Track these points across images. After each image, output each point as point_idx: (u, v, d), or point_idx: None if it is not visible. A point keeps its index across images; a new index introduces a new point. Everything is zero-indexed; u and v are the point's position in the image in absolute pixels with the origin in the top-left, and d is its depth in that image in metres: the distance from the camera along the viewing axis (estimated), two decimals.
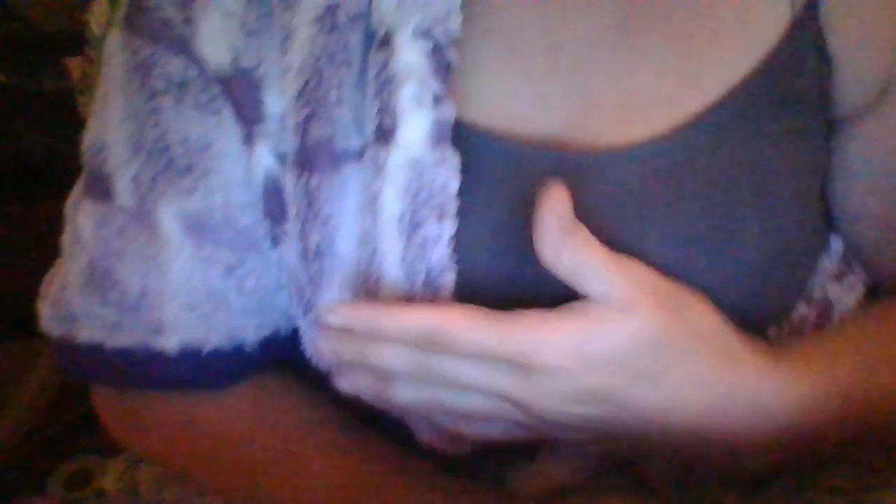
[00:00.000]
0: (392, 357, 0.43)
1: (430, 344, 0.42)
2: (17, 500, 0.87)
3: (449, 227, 0.44)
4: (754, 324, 0.48)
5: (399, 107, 0.44)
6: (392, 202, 0.44)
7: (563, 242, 0.40)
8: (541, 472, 0.50)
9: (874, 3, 0.45)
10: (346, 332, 0.44)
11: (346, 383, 0.46)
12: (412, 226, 0.44)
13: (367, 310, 0.43)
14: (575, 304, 0.41)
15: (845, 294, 0.51)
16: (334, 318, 0.44)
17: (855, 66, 0.47)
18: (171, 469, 0.59)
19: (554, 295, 0.44)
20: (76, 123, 0.56)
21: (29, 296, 0.56)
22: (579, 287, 0.41)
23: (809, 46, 0.46)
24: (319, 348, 0.48)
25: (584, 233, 0.41)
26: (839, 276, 0.51)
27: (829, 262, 0.51)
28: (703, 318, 0.43)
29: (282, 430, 0.54)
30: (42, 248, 0.56)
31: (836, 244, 0.52)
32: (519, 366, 0.41)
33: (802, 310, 0.50)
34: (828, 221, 0.51)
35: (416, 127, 0.44)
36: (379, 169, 0.45)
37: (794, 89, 0.46)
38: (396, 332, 0.42)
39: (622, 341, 0.41)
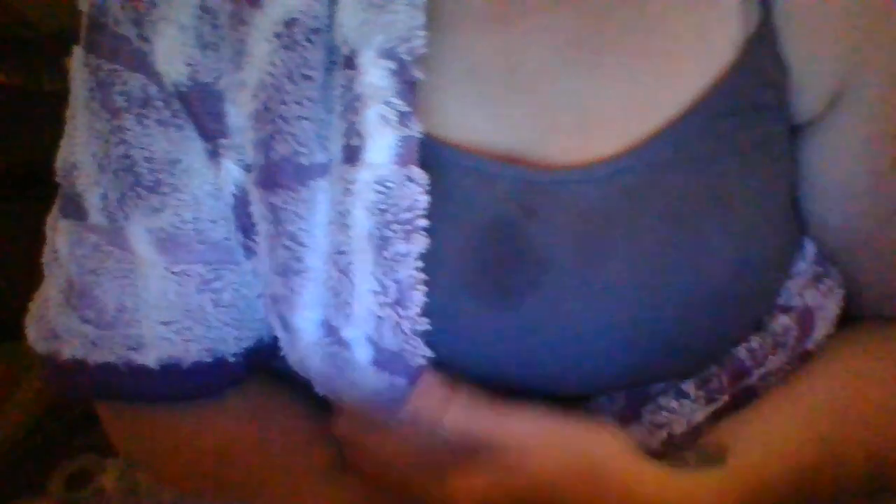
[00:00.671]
0: None
1: None
2: (17, 500, 0.87)
3: (417, 245, 0.44)
4: (730, 334, 0.49)
5: (365, 126, 0.44)
6: (361, 220, 0.44)
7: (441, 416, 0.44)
8: None
9: (825, 16, 0.45)
10: None
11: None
12: (381, 242, 0.44)
13: None
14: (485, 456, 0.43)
15: (824, 299, 0.51)
16: None
17: (806, 76, 0.47)
18: (166, 481, 0.59)
19: (521, 306, 0.45)
20: None
21: (28, 296, 0.56)
22: None
23: (768, 56, 0.46)
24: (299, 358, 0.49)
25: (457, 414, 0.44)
26: (815, 280, 0.51)
27: (805, 265, 0.51)
28: (597, 452, 0.44)
29: (276, 449, 0.54)
30: (41, 249, 0.56)
31: (810, 246, 0.52)
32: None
33: (784, 320, 0.50)
34: (800, 225, 0.52)
35: (382, 146, 0.44)
36: (347, 188, 0.45)
37: (755, 99, 0.46)
38: None
39: (525, 483, 0.43)
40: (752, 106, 0.46)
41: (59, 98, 0.54)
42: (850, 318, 0.54)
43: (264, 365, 0.55)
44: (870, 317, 0.54)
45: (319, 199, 0.46)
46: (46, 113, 0.57)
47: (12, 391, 0.95)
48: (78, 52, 0.51)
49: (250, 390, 0.56)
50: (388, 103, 0.44)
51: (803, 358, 0.52)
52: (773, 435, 0.47)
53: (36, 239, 0.55)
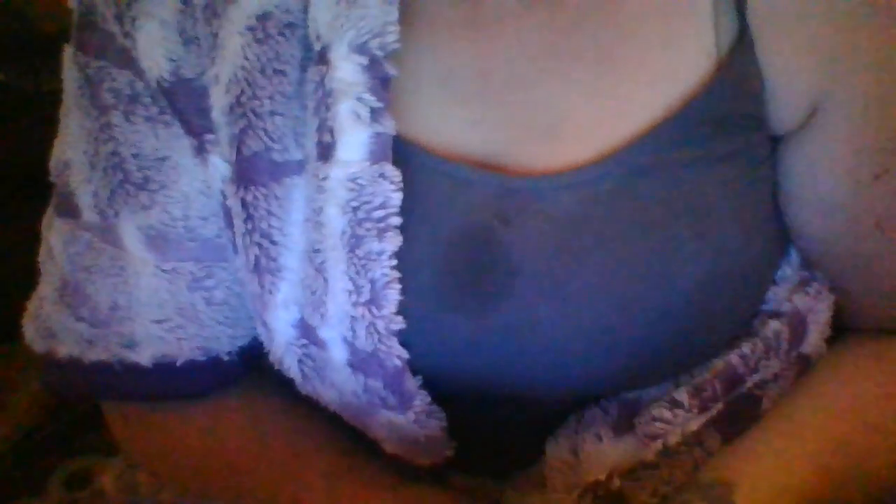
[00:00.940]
0: None
1: None
2: (17, 500, 0.87)
3: (390, 243, 0.44)
4: (709, 340, 0.48)
5: (337, 123, 0.44)
6: (334, 218, 0.44)
7: None
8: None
9: (801, 27, 0.45)
10: None
11: None
12: (354, 241, 0.44)
13: None
14: None
15: (814, 302, 0.51)
16: None
17: (783, 88, 0.46)
18: (168, 482, 0.59)
19: (495, 311, 0.45)
20: None
21: (26, 297, 0.56)
22: None
23: (748, 66, 0.46)
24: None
25: None
26: (803, 284, 0.51)
27: (790, 270, 0.51)
28: None
29: (279, 454, 0.53)
30: (39, 249, 0.56)
31: (795, 252, 0.52)
32: None
33: (774, 325, 0.50)
34: (785, 232, 0.51)
35: (354, 143, 0.44)
36: (320, 185, 0.44)
37: (735, 109, 0.46)
38: None
39: None
40: (731, 115, 0.46)
41: (59, 98, 0.54)
42: (844, 328, 0.54)
43: (259, 363, 0.55)
44: (866, 329, 0.54)
45: (295, 196, 0.46)
46: (46, 113, 0.57)
47: (12, 392, 0.95)
48: (68, 49, 0.51)
49: (253, 394, 0.56)
50: (360, 99, 0.43)
51: (801, 362, 0.52)
52: (778, 470, 0.47)
53: (34, 239, 0.55)
